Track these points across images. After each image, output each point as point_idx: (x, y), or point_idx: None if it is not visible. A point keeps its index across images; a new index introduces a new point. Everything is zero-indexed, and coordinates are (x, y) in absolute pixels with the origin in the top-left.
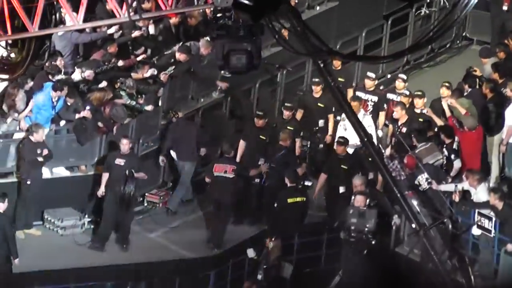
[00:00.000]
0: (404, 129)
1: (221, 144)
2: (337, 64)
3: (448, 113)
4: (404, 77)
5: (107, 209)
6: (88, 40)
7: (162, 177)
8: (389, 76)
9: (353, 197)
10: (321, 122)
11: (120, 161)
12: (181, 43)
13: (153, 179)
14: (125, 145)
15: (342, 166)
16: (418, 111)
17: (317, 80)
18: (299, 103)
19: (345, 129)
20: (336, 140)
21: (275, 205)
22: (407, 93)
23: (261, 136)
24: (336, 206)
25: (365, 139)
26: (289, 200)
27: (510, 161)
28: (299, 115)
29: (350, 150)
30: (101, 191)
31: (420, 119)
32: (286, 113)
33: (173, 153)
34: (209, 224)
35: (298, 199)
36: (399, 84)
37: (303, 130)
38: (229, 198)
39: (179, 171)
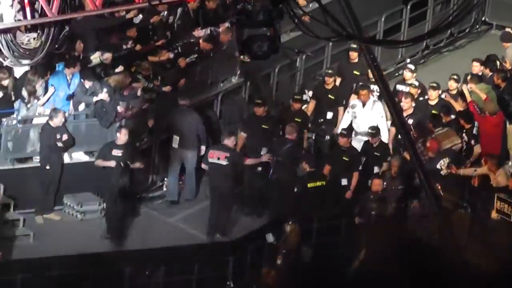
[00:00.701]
0: (410, 121)
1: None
2: (353, 56)
3: (468, 98)
4: (412, 67)
5: (107, 202)
6: (107, 25)
7: (152, 177)
8: (408, 60)
9: (369, 181)
10: (329, 115)
11: (117, 152)
12: (203, 30)
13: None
14: (122, 135)
15: (344, 158)
16: (432, 103)
17: (330, 71)
18: (312, 94)
19: (355, 117)
20: (339, 132)
21: (295, 189)
22: (417, 83)
23: (263, 125)
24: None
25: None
26: (309, 185)
27: None
28: (311, 105)
29: (361, 139)
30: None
31: (434, 111)
32: (296, 105)
33: (175, 140)
34: (211, 211)
35: (318, 183)
36: (406, 74)
37: (311, 123)
38: (224, 185)
39: (182, 161)
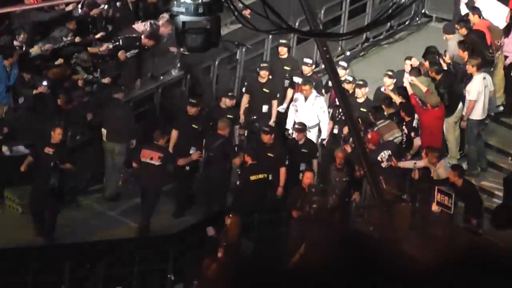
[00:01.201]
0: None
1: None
2: (282, 52)
3: (410, 91)
4: (345, 64)
5: (32, 198)
6: (47, 19)
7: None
8: (348, 53)
9: (301, 174)
10: (265, 108)
11: (49, 150)
12: (143, 23)
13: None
14: (56, 134)
15: (268, 154)
16: (360, 100)
17: (264, 64)
18: (246, 88)
19: (296, 111)
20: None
21: (237, 182)
22: (350, 79)
23: (193, 125)
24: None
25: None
26: (252, 178)
27: (470, 138)
28: (245, 100)
29: (310, 135)
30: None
31: (362, 109)
32: (228, 101)
33: (103, 133)
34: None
35: (261, 175)
36: (339, 71)
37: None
38: (155, 185)
39: (109, 154)
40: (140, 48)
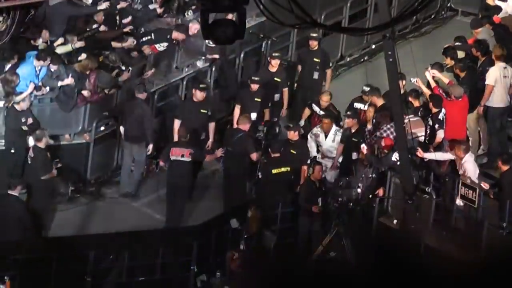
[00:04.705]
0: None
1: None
2: (313, 44)
3: (433, 84)
4: (367, 89)
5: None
6: (81, 13)
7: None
8: (373, 46)
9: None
10: (276, 97)
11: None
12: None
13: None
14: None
15: (291, 150)
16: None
17: (276, 54)
18: (237, 98)
19: (320, 145)
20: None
21: (259, 176)
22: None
23: (202, 110)
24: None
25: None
26: (274, 171)
27: (492, 129)
28: (237, 110)
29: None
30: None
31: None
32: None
33: (122, 132)
34: (168, 207)
35: (283, 169)
36: (364, 97)
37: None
38: (187, 181)
39: (127, 152)
40: (170, 41)
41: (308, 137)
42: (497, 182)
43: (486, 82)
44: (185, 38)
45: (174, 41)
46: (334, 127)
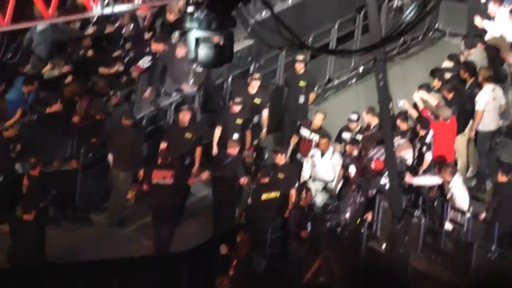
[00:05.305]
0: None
1: None
2: (299, 67)
3: (421, 106)
4: (355, 117)
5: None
6: (68, 39)
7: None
8: (361, 69)
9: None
10: (255, 119)
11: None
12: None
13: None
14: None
15: (279, 174)
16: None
17: (256, 75)
18: (218, 120)
19: (314, 166)
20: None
21: (249, 201)
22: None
23: (187, 134)
24: None
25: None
26: (263, 197)
27: (481, 151)
28: (217, 131)
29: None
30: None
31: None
32: (235, 108)
33: (110, 159)
34: (155, 233)
35: (273, 194)
36: (352, 124)
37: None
38: (171, 204)
39: (115, 180)
40: (152, 54)
41: (304, 162)
42: (494, 192)
43: (476, 108)
44: (165, 48)
45: (156, 54)
46: (331, 148)
